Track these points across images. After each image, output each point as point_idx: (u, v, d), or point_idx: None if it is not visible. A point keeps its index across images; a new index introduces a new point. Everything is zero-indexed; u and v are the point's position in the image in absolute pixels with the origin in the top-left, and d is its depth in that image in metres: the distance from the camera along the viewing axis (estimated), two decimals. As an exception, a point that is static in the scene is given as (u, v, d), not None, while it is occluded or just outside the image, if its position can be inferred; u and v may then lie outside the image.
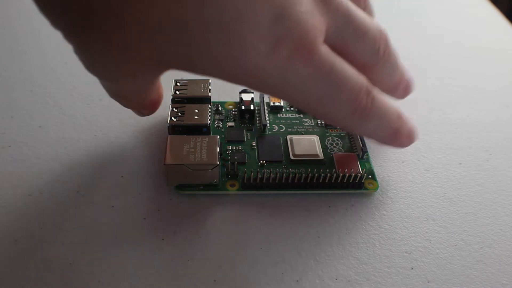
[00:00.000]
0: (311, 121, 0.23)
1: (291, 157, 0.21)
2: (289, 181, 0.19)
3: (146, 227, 0.18)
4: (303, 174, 0.19)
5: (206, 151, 0.19)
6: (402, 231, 0.19)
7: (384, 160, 0.22)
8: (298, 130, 0.22)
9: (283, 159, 0.21)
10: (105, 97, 0.24)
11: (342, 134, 0.22)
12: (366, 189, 0.20)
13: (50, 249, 0.17)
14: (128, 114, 0.23)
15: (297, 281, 0.17)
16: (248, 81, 0.16)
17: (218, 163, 0.18)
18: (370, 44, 0.18)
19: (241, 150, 0.21)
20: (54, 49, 0.28)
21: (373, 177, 0.21)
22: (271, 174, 0.19)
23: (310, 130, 0.23)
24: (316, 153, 0.21)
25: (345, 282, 0.17)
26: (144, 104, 0.20)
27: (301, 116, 0.23)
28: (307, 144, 0.21)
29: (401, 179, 0.21)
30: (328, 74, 0.16)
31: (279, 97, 0.19)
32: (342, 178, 0.20)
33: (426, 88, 0.27)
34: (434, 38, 0.31)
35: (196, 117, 0.21)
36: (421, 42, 0.31)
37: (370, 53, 0.18)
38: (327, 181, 0.20)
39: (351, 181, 0.20)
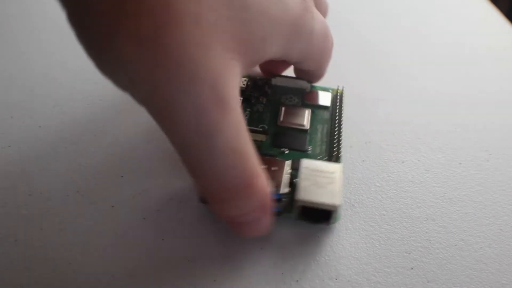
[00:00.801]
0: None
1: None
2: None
3: (146, 227, 0.18)
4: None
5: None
6: (402, 231, 0.19)
7: (384, 160, 0.22)
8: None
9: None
10: (105, 97, 0.24)
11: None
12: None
13: (50, 249, 0.17)
14: (128, 113, 0.23)
15: (297, 281, 0.17)
16: (294, 37, 0.17)
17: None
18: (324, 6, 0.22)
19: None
20: (54, 49, 0.28)
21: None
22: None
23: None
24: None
25: (345, 282, 0.17)
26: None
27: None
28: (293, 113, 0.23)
29: (401, 179, 0.21)
30: (324, 22, 0.19)
31: (302, 52, 0.19)
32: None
33: (426, 88, 0.27)
34: (433, 38, 0.31)
35: None
36: (420, 42, 0.31)
37: (324, 10, 0.21)
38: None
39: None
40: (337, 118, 0.22)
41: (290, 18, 0.16)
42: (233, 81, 0.14)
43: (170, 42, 0.12)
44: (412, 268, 0.18)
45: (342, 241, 0.18)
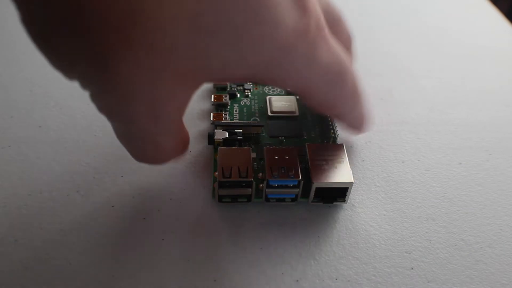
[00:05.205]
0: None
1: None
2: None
3: (146, 227, 0.18)
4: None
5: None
6: (402, 231, 0.19)
7: (384, 160, 0.22)
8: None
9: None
10: (105, 97, 0.24)
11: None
12: None
13: (50, 249, 0.17)
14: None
15: (297, 281, 0.17)
16: (279, 64, 0.15)
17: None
18: (346, 31, 0.20)
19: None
20: (54, 49, 0.28)
21: None
22: None
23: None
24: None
25: (345, 282, 0.17)
26: (181, 141, 0.17)
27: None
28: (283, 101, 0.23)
29: (401, 179, 0.21)
30: (339, 57, 0.17)
31: (297, 85, 0.17)
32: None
33: (426, 88, 0.27)
34: (434, 38, 0.31)
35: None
36: (421, 42, 0.31)
37: (346, 40, 0.20)
38: None
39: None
40: None
41: (277, 42, 0.14)
42: (174, 103, 0.15)
43: (118, 65, 0.13)
44: (412, 268, 0.18)
45: (342, 241, 0.18)
